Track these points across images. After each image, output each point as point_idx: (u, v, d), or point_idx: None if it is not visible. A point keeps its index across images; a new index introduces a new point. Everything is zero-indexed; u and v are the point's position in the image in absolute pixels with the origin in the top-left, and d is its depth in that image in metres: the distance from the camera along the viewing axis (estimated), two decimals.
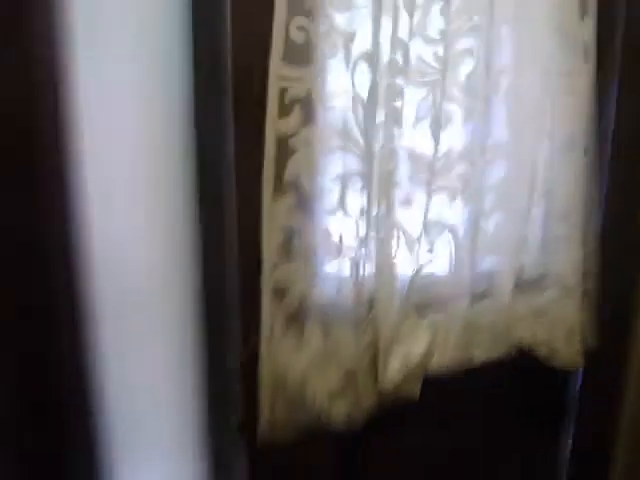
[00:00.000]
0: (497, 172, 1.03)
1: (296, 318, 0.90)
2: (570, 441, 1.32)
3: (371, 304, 0.96)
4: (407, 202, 0.95)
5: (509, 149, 1.02)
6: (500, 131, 1.02)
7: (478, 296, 1.05)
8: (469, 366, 1.05)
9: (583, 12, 1.03)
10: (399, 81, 0.89)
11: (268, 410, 0.91)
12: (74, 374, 0.79)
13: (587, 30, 1.03)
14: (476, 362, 1.06)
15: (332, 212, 0.90)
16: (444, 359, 1.03)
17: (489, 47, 0.96)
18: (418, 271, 0.99)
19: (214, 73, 0.80)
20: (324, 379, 0.93)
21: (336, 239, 0.91)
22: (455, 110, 0.96)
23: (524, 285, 1.09)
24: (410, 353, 0.99)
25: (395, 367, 0.97)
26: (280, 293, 0.88)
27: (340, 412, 0.95)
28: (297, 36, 0.81)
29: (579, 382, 1.29)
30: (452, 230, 1.00)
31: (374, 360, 0.96)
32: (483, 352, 1.07)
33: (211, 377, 0.93)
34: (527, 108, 1.02)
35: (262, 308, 0.87)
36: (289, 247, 0.88)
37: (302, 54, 0.82)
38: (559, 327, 1.10)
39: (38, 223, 0.67)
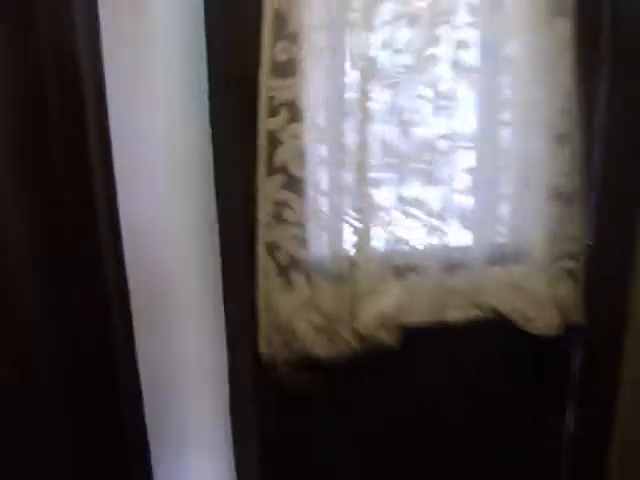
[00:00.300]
0: (468, 157, 1.20)
1: (287, 269, 1.18)
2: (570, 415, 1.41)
3: (352, 264, 1.19)
4: (381, 182, 1.17)
5: (479, 137, 1.18)
6: (469, 122, 1.18)
7: (452, 265, 1.23)
8: (445, 324, 1.24)
9: (555, 11, 1.15)
10: (369, 86, 1.12)
11: (265, 339, 1.20)
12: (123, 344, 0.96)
13: (562, 29, 1.15)
14: (451, 321, 1.24)
15: (316, 189, 1.16)
16: (418, 315, 1.23)
17: (456, 50, 1.14)
18: (393, 239, 1.20)
19: (223, 85, 1.11)
20: (309, 318, 1.19)
21: (320, 210, 1.17)
22: (423, 105, 1.15)
23: (497, 258, 1.24)
24: (384, 306, 1.21)
25: (369, 316, 1.20)
26: (273, 248, 1.17)
27: (323, 346, 1.20)
28: (281, 56, 1.09)
29: (579, 366, 1.38)
30: (423, 206, 1.19)
31: (352, 309, 1.20)
32: (457, 313, 1.24)
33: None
34: (498, 101, 1.18)
35: (258, 259, 1.16)
36: (280, 215, 1.16)
37: (285, 69, 1.09)
38: (532, 298, 1.22)
39: (92, 215, 0.89)
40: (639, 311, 1.32)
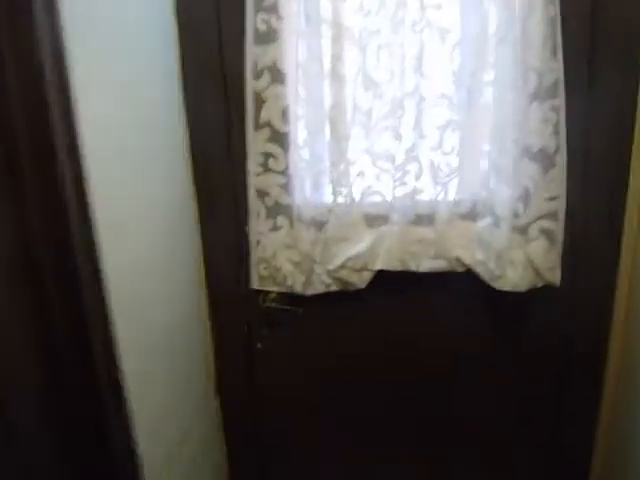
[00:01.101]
0: (441, 114, 1.24)
1: (273, 212, 1.37)
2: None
3: (328, 211, 1.34)
4: (352, 137, 1.28)
5: (453, 95, 1.22)
6: (442, 81, 1.22)
7: (421, 217, 1.30)
8: (414, 272, 1.33)
9: None
10: (338, 49, 1.23)
11: (256, 269, 1.42)
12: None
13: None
14: (420, 270, 1.33)
15: (296, 142, 1.32)
16: (387, 262, 1.34)
17: (426, 11, 1.18)
18: (366, 190, 1.32)
19: (209, 56, 1.31)
20: (289, 256, 1.38)
21: (301, 161, 1.33)
22: (394, 66, 1.22)
23: (467, 213, 1.28)
24: (355, 252, 1.34)
25: (340, 259, 1.35)
26: (261, 194, 1.36)
27: (301, 282, 1.39)
28: (261, 25, 1.24)
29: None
30: (392, 160, 1.28)
31: (326, 252, 1.36)
32: (427, 263, 1.32)
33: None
34: (474, 60, 1.19)
35: (249, 203, 1.37)
36: (266, 165, 1.34)
37: (266, 37, 1.25)
38: (499, 255, 1.25)
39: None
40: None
